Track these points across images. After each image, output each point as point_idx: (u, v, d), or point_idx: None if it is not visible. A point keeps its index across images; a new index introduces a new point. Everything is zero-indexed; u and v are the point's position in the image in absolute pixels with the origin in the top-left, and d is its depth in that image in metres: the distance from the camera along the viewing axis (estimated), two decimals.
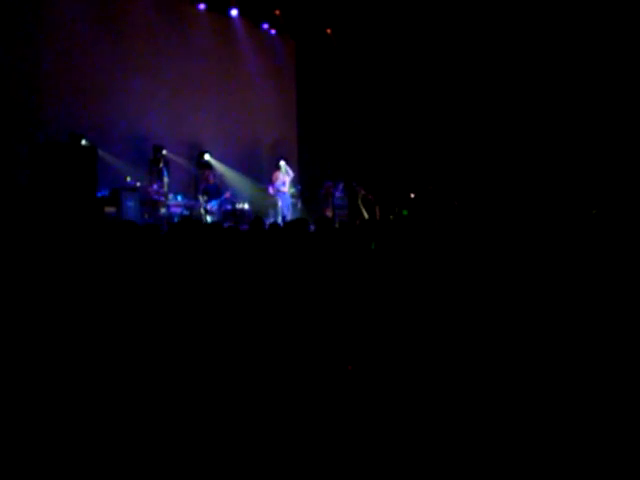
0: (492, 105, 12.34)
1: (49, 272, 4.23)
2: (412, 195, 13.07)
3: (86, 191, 8.54)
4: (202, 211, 11.53)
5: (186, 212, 11.39)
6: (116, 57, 11.29)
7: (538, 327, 3.51)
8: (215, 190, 11.92)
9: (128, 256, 4.39)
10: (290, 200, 12.91)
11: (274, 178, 12.70)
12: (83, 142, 9.62)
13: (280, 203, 12.63)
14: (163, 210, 10.91)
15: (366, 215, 12.47)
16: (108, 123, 10.93)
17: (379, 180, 13.22)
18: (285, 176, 12.80)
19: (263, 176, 13.65)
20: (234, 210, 12.31)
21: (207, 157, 12.61)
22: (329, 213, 12.85)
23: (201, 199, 11.65)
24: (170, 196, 11.29)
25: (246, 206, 12.69)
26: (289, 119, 15.27)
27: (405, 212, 12.07)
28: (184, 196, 11.93)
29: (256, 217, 6.48)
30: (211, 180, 11.99)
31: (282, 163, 12.99)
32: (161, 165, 11.25)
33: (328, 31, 14.46)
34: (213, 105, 13.17)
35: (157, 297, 3.89)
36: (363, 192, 12.93)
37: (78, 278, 4.06)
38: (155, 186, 11.00)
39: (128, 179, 10.54)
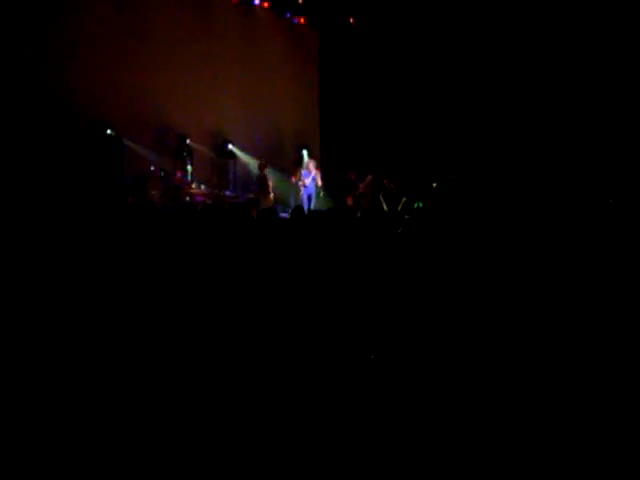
0: (517, 94, 12.24)
1: (73, 261, 4.31)
2: (434, 185, 13.04)
3: (112, 180, 8.71)
4: None
5: (209, 201, 11.51)
6: (141, 47, 11.38)
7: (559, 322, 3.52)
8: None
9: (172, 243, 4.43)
10: (314, 189, 12.93)
11: (307, 167, 12.84)
12: (108, 131, 9.77)
13: (303, 192, 12.70)
14: (187, 199, 11.03)
15: (386, 207, 12.46)
16: (133, 113, 11.05)
17: (402, 169, 13.19)
18: (312, 167, 12.87)
19: (285, 165, 13.72)
20: (256, 199, 12.40)
21: (230, 147, 12.71)
22: (350, 202, 12.88)
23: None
24: (194, 185, 11.42)
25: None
26: (311, 108, 15.28)
27: (419, 204, 12.02)
28: (207, 185, 12.03)
29: (297, 206, 6.59)
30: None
31: (305, 153, 13.17)
32: (185, 154, 11.41)
33: (351, 20, 14.43)
34: (236, 94, 13.22)
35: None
36: (385, 182, 12.93)
37: (107, 266, 4.14)
38: (179, 175, 11.15)
39: (152, 168, 10.69)
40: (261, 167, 12.43)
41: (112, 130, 9.88)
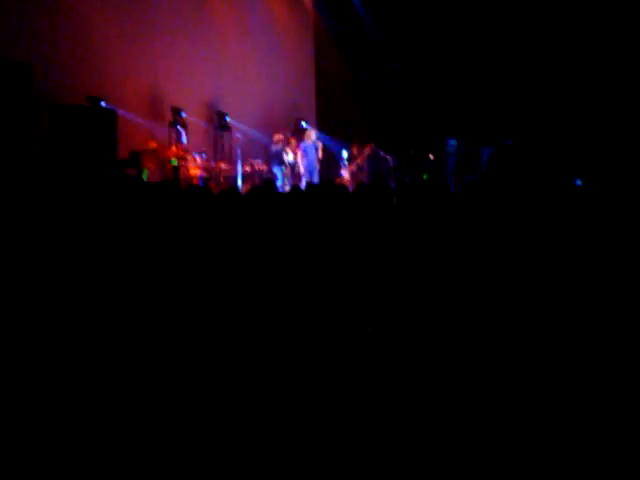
0: (510, 73, 12.10)
1: (70, 237, 4.30)
2: (431, 156, 12.98)
3: (106, 154, 8.65)
4: None
5: (205, 174, 11.46)
6: (133, 18, 11.23)
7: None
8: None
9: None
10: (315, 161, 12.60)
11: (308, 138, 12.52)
12: (102, 104, 9.69)
13: (302, 164, 12.44)
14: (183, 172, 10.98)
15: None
16: (126, 86, 10.94)
17: (398, 142, 13.11)
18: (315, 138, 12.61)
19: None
20: (253, 171, 12.38)
21: (227, 119, 12.61)
22: (346, 175, 12.73)
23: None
24: (189, 157, 11.35)
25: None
26: (308, 81, 15.13)
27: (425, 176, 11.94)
28: (203, 158, 11.95)
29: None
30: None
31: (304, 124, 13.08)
32: (180, 127, 11.32)
33: None
34: (233, 67, 13.10)
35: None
36: (382, 154, 12.82)
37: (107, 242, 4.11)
38: (174, 148, 11.09)
39: (148, 142, 10.63)
40: (278, 142, 12.40)
41: (105, 103, 9.78)
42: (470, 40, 12.63)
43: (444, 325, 3.33)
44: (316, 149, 12.51)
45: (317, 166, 12.56)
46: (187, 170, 11.10)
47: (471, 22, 12.57)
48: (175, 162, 10.57)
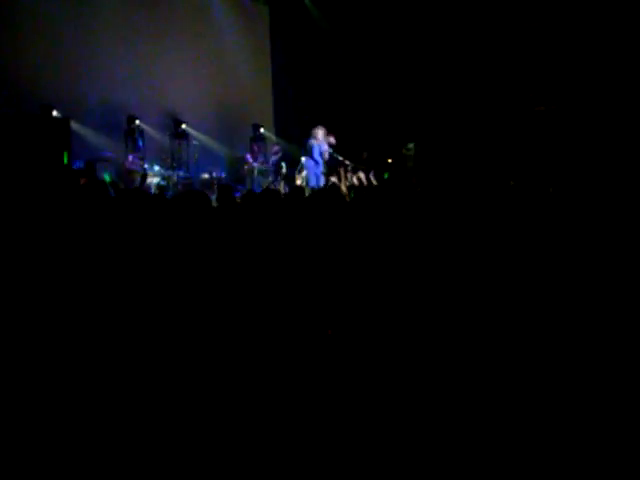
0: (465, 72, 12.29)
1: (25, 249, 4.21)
2: (389, 160, 13.10)
3: (60, 163, 8.50)
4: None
5: (163, 182, 11.36)
6: (86, 26, 11.08)
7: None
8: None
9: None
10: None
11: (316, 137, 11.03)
12: (54, 113, 9.53)
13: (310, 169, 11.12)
14: (139, 181, 10.86)
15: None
16: (80, 95, 10.78)
17: (355, 146, 13.16)
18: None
19: (239, 143, 13.62)
20: (211, 178, 12.31)
21: (184, 126, 12.53)
22: (299, 180, 12.46)
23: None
24: (146, 167, 11.24)
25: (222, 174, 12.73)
26: (265, 85, 15.13)
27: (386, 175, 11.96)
28: (161, 166, 11.85)
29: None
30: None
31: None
32: (136, 136, 11.23)
33: None
34: (188, 73, 13.01)
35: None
36: (340, 158, 12.74)
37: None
38: (131, 157, 10.97)
39: (103, 151, 10.51)
40: (276, 152, 12.42)
41: (58, 112, 9.63)
42: (424, 45, 12.79)
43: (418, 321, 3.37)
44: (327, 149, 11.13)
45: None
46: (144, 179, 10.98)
47: (425, 25, 12.73)
48: (108, 178, 10.19)
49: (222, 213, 5.45)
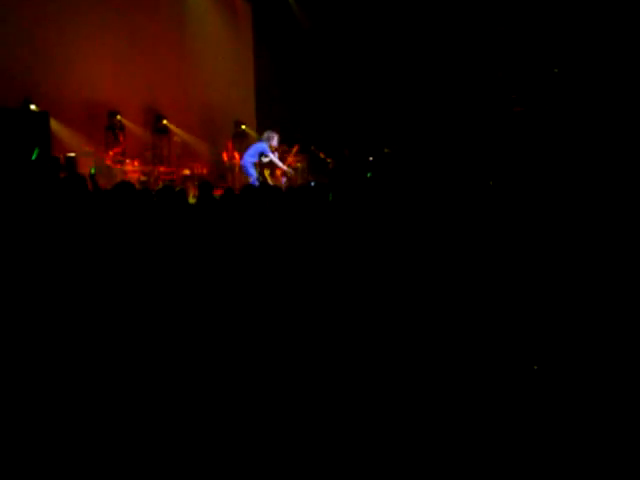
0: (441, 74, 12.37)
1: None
2: (370, 159, 13.12)
3: (41, 158, 8.41)
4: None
5: (143, 178, 11.30)
6: (66, 21, 10.96)
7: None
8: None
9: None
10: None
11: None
12: (32, 107, 9.43)
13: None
14: (120, 176, 10.80)
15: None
16: (60, 90, 10.66)
17: (338, 143, 13.17)
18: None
19: (221, 139, 13.58)
20: (194, 176, 12.26)
21: (165, 122, 12.47)
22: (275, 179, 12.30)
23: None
24: (127, 162, 11.18)
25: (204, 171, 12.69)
26: (247, 82, 15.10)
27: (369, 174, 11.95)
28: (141, 162, 11.78)
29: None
30: None
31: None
32: (116, 131, 11.16)
33: None
34: (170, 69, 12.94)
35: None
36: (313, 149, 12.62)
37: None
38: (111, 152, 10.91)
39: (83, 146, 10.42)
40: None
41: (37, 106, 9.52)
42: (405, 44, 12.86)
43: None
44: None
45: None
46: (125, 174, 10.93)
47: (406, 25, 12.79)
48: (93, 171, 10.09)
49: (200, 210, 5.46)
